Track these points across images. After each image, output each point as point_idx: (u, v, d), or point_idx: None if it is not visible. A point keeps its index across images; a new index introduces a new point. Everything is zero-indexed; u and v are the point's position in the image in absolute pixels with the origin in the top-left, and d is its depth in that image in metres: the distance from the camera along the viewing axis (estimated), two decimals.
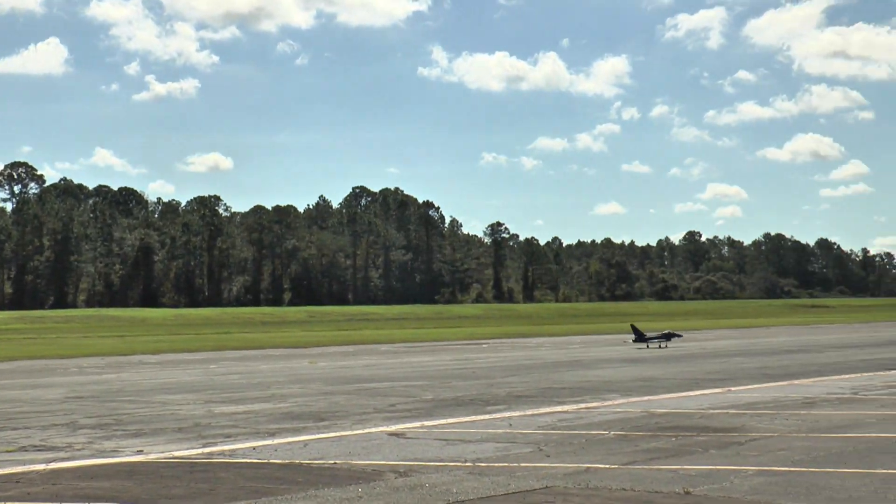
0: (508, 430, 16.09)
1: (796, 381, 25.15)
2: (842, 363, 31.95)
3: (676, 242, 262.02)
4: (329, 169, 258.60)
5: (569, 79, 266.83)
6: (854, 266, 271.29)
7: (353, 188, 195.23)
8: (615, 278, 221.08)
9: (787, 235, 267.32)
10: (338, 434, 15.98)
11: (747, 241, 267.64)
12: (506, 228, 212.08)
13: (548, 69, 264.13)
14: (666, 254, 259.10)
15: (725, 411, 18.47)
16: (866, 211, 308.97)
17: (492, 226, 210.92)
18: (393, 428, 16.65)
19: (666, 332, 45.95)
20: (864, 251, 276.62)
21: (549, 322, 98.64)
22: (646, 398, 21.28)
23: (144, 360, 39.29)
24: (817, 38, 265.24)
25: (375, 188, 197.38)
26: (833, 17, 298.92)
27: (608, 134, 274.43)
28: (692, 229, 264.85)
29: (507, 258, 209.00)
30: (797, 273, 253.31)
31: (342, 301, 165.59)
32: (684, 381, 25.60)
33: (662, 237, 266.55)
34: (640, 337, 44.63)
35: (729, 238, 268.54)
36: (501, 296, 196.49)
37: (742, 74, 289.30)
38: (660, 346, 43.31)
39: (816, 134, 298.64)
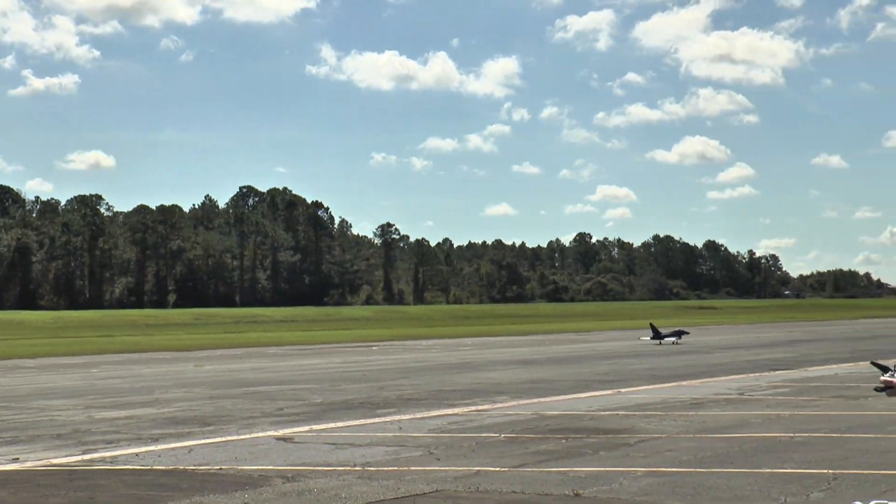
0: (398, 434, 16.08)
1: (685, 383, 25.62)
2: (729, 364, 32.65)
3: (567, 244, 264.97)
4: (215, 168, 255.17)
5: (459, 79, 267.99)
6: (741, 268, 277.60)
7: (240, 188, 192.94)
8: (506, 280, 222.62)
9: (676, 237, 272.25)
10: (224, 439, 15.79)
11: (637, 243, 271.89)
12: (396, 229, 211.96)
13: (438, 69, 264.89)
14: (556, 255, 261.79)
15: (615, 413, 18.72)
16: (752, 213, 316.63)
17: (382, 227, 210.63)
18: (281, 432, 16.51)
19: (676, 329, 49.85)
20: (751, 253, 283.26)
21: (439, 324, 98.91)
22: (536, 400, 21.46)
23: (21, 364, 38.28)
24: (703, 41, 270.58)
25: (263, 188, 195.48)
26: (719, 21, 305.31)
27: (498, 135, 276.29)
28: (582, 231, 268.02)
29: (397, 259, 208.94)
30: (685, 275, 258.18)
31: (229, 303, 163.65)
32: (575, 383, 25.88)
33: (553, 239, 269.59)
34: (656, 334, 47.83)
35: (619, 239, 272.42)
36: (392, 297, 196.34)
37: (631, 77, 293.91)
38: (674, 343, 46.49)
39: (703, 136, 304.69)
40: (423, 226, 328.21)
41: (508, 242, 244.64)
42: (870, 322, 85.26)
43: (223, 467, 12.94)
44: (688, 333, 49.42)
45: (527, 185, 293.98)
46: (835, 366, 31.05)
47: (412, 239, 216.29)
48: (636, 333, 63.82)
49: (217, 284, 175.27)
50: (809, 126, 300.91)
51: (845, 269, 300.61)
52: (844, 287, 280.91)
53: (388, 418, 18.37)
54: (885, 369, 12.81)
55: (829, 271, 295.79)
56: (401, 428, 16.86)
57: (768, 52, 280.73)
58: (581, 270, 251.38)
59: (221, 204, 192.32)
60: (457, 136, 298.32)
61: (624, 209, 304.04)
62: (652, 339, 47.78)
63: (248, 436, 16.14)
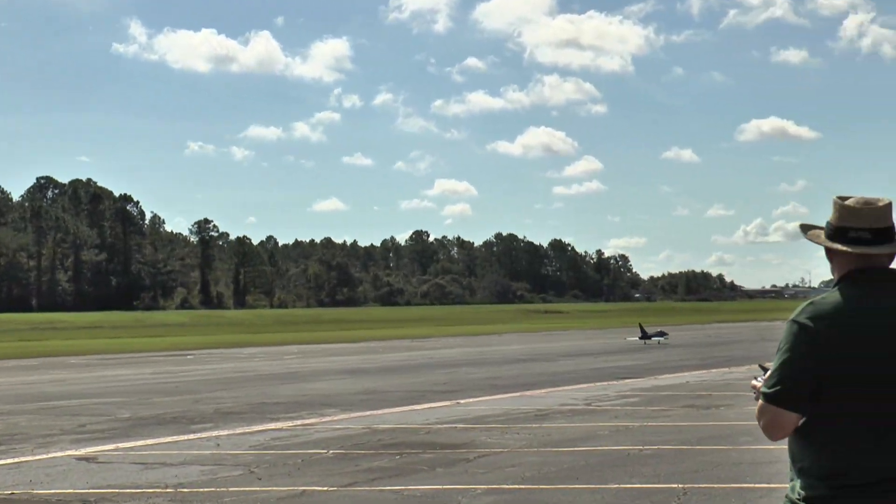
0: (216, 451, 15.89)
1: (528, 393, 25.97)
2: (575, 372, 33.22)
3: (402, 243, 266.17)
4: (8, 157, 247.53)
5: (284, 61, 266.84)
6: (588, 269, 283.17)
7: (38, 179, 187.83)
8: (336, 282, 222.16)
9: (520, 236, 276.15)
10: (17, 460, 15.34)
11: (478, 242, 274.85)
12: (214, 226, 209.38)
13: (260, 50, 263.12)
14: (391, 255, 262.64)
15: (453, 426, 18.88)
16: (600, 210, 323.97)
17: (198, 223, 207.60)
18: (83, 451, 16.13)
19: (659, 330, 53.73)
20: (599, 253, 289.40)
21: (263, 330, 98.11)
22: (368, 413, 21.48)
23: None
24: (549, 25, 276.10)
25: (64, 179, 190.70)
26: (565, 3, 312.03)
27: (328, 123, 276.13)
28: (419, 228, 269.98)
29: (215, 259, 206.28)
30: (530, 276, 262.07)
31: (24, 307, 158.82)
32: (410, 394, 25.99)
33: (387, 237, 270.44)
34: (644, 335, 51.46)
35: (458, 238, 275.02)
36: (209, 301, 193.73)
37: (471, 62, 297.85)
38: (659, 343, 50.18)
39: (549, 127, 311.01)
40: (245, 222, 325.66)
41: (339, 241, 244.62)
42: (721, 326, 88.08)
43: (16, 492, 12.58)
44: (667, 335, 53.23)
45: (358, 178, 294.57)
46: (686, 373, 31.94)
47: (232, 237, 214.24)
48: (477, 339, 64.46)
49: (10, 287, 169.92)
50: (660, 117, 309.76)
51: (697, 270, 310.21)
52: (697, 289, 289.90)
53: (204, 434, 18.13)
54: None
55: (680, 272, 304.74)
56: (218, 445, 16.66)
57: (617, 38, 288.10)
58: (418, 271, 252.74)
59: (15, 197, 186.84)
60: (282, 123, 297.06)
61: (464, 205, 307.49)
62: (640, 338, 51.40)
63: (45, 456, 15.72)
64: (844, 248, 4.20)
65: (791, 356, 4.16)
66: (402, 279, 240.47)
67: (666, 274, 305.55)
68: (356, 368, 36.90)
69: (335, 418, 20.63)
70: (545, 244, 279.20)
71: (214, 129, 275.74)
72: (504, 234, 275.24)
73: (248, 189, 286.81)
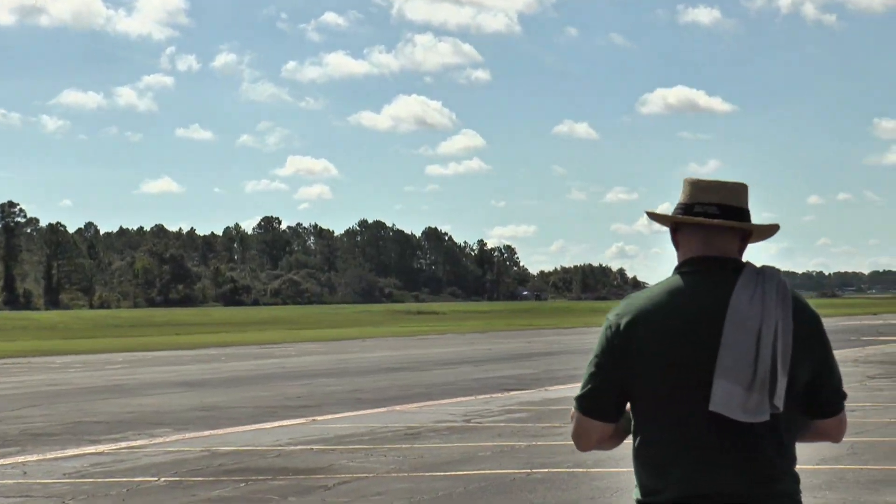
0: (22, 481, 15.64)
1: (398, 407, 26.04)
2: (452, 384, 33.39)
3: (249, 231, 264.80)
4: None
5: (105, 14, 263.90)
6: (469, 262, 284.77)
7: None
8: (169, 277, 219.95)
9: (388, 223, 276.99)
10: None
11: (339, 231, 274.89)
12: (21, 210, 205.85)
13: (76, 0, 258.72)
14: (236, 246, 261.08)
15: (309, 447, 18.85)
16: (482, 193, 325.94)
17: (1, 207, 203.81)
18: None
19: None
20: (481, 244, 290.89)
21: (81, 335, 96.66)
22: (207, 433, 21.34)
23: None
24: None
25: None
26: None
27: (158, 88, 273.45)
28: (269, 214, 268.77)
29: (22, 250, 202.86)
30: (400, 271, 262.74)
31: None
32: (258, 410, 25.87)
33: (231, 224, 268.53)
34: None
35: (316, 226, 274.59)
36: (15, 300, 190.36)
37: (330, 18, 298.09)
38: None
39: (422, 96, 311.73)
40: (59, 206, 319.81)
41: (172, 228, 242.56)
42: None
43: None
44: None
45: (196, 154, 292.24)
46: (580, 384, 32.23)
47: (43, 223, 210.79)
48: (338, 345, 64.40)
49: None
50: (551, 86, 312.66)
51: (595, 263, 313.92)
52: (595, 286, 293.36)
53: (8, 460, 17.84)
54: None
55: (575, 267, 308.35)
56: (26, 472, 16.41)
57: None
58: (267, 265, 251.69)
59: None
60: (103, 88, 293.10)
61: (322, 187, 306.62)
62: None
63: None
64: (689, 220, 4.33)
65: (596, 359, 4.39)
66: (248, 274, 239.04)
67: (559, 268, 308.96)
68: (194, 380, 36.60)
69: (168, 439, 20.45)
70: (418, 233, 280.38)
71: (20, 93, 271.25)
72: (370, 221, 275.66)
73: (61, 166, 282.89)
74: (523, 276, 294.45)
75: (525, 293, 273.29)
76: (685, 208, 4.35)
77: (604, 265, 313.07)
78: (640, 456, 4.35)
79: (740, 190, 4.36)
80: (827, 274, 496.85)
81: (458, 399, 28.23)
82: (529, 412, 24.60)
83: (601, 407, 4.36)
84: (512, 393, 29.97)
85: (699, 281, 4.26)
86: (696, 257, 4.32)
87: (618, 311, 4.35)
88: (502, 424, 22.14)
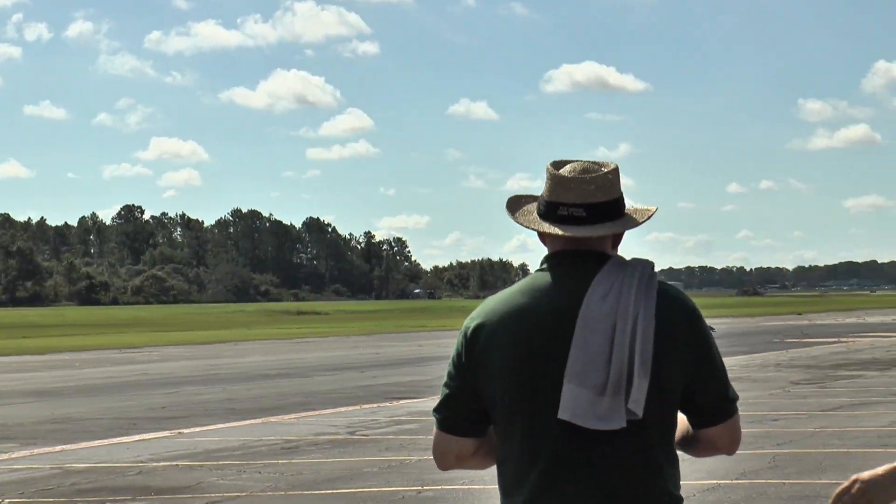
0: None
1: (274, 418, 25.98)
2: (336, 392, 33.40)
3: (107, 222, 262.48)
4: None
5: None
6: (355, 257, 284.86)
7: None
8: (16, 273, 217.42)
9: (265, 213, 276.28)
10: None
11: (209, 221, 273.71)
12: None
13: None
14: (92, 238, 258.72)
15: (174, 464, 18.73)
16: (369, 180, 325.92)
17: None
18: None
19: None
20: (368, 236, 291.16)
21: None
22: (59, 448, 21.13)
23: None
24: None
25: None
26: None
27: (4, 61, 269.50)
28: (130, 203, 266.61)
29: None
30: (278, 266, 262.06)
31: None
32: (116, 422, 25.68)
33: (87, 214, 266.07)
34: None
35: (183, 216, 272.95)
36: None
37: None
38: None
39: (303, 71, 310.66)
40: None
41: (20, 218, 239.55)
42: None
43: None
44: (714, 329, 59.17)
45: (47, 135, 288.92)
46: None
47: None
48: (208, 349, 64.07)
49: None
50: (447, 61, 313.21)
51: (495, 258, 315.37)
52: (494, 283, 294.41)
53: None
54: None
55: (473, 262, 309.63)
56: None
57: None
58: (128, 260, 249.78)
59: None
60: None
61: (190, 172, 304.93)
62: None
63: None
64: (552, 231, 4.25)
65: (448, 368, 4.35)
66: (106, 270, 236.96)
67: (454, 263, 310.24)
68: (44, 389, 36.22)
69: (14, 455, 20.21)
70: (298, 224, 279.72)
71: None
72: (244, 210, 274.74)
73: None
74: (415, 272, 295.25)
75: (417, 291, 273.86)
76: (548, 208, 4.26)
77: (504, 260, 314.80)
78: (498, 476, 4.30)
79: (608, 179, 4.24)
80: (748, 270, 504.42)
81: (342, 409, 28.22)
82: (420, 423, 24.64)
83: (455, 421, 4.29)
84: (401, 402, 30.01)
85: (558, 278, 4.21)
86: (558, 252, 4.27)
87: (472, 315, 4.28)
88: (390, 437, 22.16)
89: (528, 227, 4.33)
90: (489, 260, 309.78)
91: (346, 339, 79.38)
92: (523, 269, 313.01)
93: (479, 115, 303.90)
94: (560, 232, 4.20)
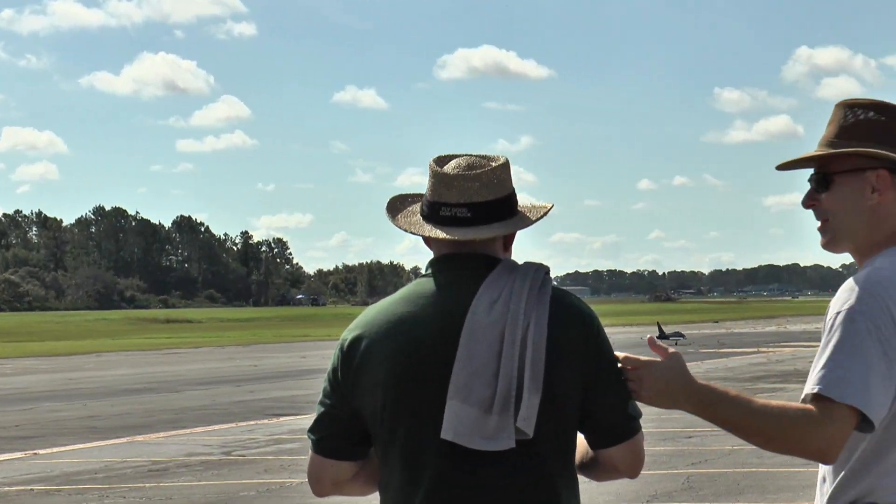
0: None
1: (140, 438, 25.83)
2: (209, 408, 33.28)
3: None
4: None
5: None
6: (231, 259, 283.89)
7: None
8: None
9: (130, 211, 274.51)
10: None
11: (68, 220, 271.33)
12: None
13: None
14: None
15: (28, 488, 18.57)
16: (246, 175, 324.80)
17: None
18: None
19: (676, 331, 63.96)
20: (245, 237, 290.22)
21: None
22: None
23: None
24: None
25: None
26: None
27: None
28: None
29: None
30: (145, 270, 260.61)
31: None
32: None
33: None
34: (661, 335, 59.54)
35: (39, 214, 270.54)
36: None
37: None
38: (676, 343, 57.02)
39: (172, 54, 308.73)
40: None
41: None
42: None
43: None
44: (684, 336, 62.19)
45: None
46: None
47: None
48: (67, 361, 63.52)
49: None
50: (332, 45, 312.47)
51: (384, 261, 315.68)
52: (384, 288, 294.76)
53: None
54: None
55: (360, 265, 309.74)
56: None
57: None
58: None
59: None
60: None
61: (47, 165, 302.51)
62: (658, 337, 58.64)
63: None
64: (434, 234, 4.17)
65: (324, 385, 4.23)
66: None
67: (340, 267, 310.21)
68: None
69: None
70: (167, 224, 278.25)
71: None
72: (107, 208, 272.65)
73: None
74: (297, 277, 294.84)
75: (299, 297, 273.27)
76: (430, 209, 4.20)
77: (395, 263, 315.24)
78: (380, 502, 4.20)
79: (496, 175, 4.17)
80: (661, 273, 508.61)
81: (216, 427, 28.11)
82: (303, 442, 24.42)
83: (332, 442, 4.18)
84: (282, 419, 29.95)
85: (442, 285, 4.13)
86: (443, 256, 4.20)
87: (350, 326, 4.20)
88: (270, 458, 22.09)
89: (408, 231, 4.25)
90: (378, 263, 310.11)
91: (221, 349, 79.08)
92: (416, 273, 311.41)
93: (367, 103, 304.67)
94: (442, 235, 4.12)
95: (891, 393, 4.02)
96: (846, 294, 4.09)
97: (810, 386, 4.02)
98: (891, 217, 4.24)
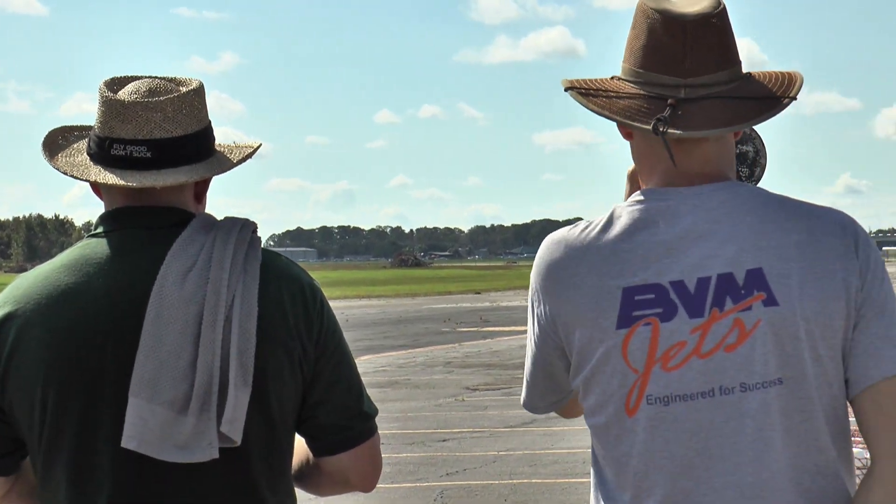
0: None
1: None
2: None
3: None
4: None
5: None
6: None
7: None
8: None
9: None
10: None
11: None
12: None
13: None
14: None
15: None
16: None
17: None
18: None
19: None
20: None
21: None
22: None
23: None
24: None
25: None
26: None
27: None
28: None
29: None
30: None
31: None
32: None
33: None
34: None
35: None
36: None
37: None
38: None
39: None
40: None
41: None
42: None
43: None
44: None
45: None
46: None
47: None
48: None
49: None
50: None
51: (47, 214, 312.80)
52: (47, 250, 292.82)
53: None
54: None
55: (15, 220, 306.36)
56: None
57: None
58: None
59: None
60: None
61: None
62: None
63: None
64: (104, 180, 3.87)
65: None
66: None
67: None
68: None
69: None
70: None
71: None
72: None
73: None
74: None
75: None
76: (99, 147, 3.91)
77: (61, 217, 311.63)
78: None
79: (187, 104, 3.91)
80: (407, 231, 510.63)
81: None
82: None
83: None
84: None
85: (118, 248, 3.84)
86: (118, 210, 3.95)
87: (3, 299, 3.84)
88: None
89: (71, 175, 3.95)
90: (40, 217, 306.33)
91: None
92: (89, 231, 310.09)
93: (20, 7, 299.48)
94: (113, 180, 3.83)
95: None
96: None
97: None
98: None
